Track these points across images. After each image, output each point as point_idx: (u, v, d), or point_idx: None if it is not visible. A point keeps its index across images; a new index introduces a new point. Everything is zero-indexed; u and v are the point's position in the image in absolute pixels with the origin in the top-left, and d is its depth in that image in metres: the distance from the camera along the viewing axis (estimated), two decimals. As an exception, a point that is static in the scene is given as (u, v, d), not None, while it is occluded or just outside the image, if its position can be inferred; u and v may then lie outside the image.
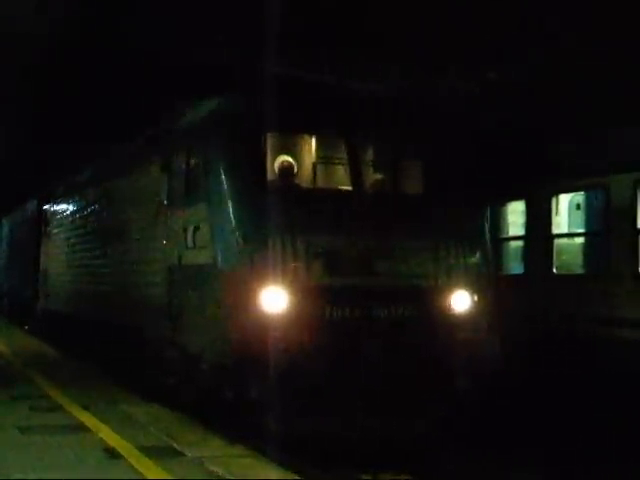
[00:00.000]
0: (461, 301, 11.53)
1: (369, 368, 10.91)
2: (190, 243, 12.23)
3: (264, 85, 11.98)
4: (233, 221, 11.15)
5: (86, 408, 12.47)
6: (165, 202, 13.45)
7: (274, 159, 11.71)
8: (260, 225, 11.03)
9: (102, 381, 15.45)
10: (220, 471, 9.11)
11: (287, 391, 10.70)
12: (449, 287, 11.52)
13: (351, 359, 10.90)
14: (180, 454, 9.85)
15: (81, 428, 11.13)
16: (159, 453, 9.78)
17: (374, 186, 11.88)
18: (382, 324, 11.14)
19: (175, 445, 10.26)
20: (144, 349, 14.63)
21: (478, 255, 11.73)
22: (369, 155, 12.04)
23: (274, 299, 10.87)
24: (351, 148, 11.75)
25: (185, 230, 12.44)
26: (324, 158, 11.93)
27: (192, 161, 12.33)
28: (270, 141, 11.65)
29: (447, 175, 12.00)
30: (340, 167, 11.83)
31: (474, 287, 11.62)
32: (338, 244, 11.14)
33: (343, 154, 11.79)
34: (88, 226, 19.29)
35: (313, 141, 11.89)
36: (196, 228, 12.01)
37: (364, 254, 11.20)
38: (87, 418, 11.78)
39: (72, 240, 21.16)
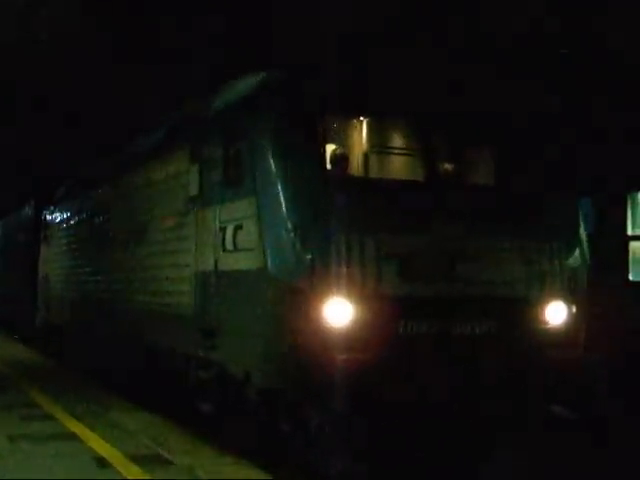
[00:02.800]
0: (558, 315, 9.66)
1: (453, 397, 9.05)
2: (230, 245, 10.34)
3: (326, 60, 10.06)
4: (289, 218, 9.27)
5: (76, 417, 12.30)
6: (195, 198, 11.56)
7: (338, 145, 9.83)
8: (322, 223, 9.16)
9: (94, 390, 15.26)
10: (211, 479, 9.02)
11: (357, 423, 8.85)
12: (545, 297, 9.63)
13: (433, 387, 9.04)
14: (170, 462, 9.77)
15: (71, 437, 11.04)
16: (149, 461, 9.72)
17: (454, 178, 10.00)
18: (468, 342, 9.29)
19: (165, 453, 10.17)
20: (165, 367, 12.76)
21: (576, 259, 9.84)
22: (447, 143, 10.14)
23: (340, 312, 9.03)
24: (426, 134, 9.89)
25: (223, 229, 10.56)
26: (396, 145, 10.09)
27: (233, 148, 10.44)
28: (334, 124, 9.79)
29: (541, 166, 10.13)
30: (414, 156, 9.97)
31: (572, 297, 9.75)
32: (415, 246, 9.29)
33: (417, 141, 9.94)
34: (98, 229, 17.31)
35: (383, 125, 10.02)
36: (238, 227, 10.12)
37: (445, 258, 9.34)
38: (77, 427, 11.66)
39: (78, 246, 19.18)
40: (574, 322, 9.73)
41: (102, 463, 9.58)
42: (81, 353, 18.72)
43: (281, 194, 9.37)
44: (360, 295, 9.05)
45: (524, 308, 9.54)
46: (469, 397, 9.11)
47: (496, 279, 9.43)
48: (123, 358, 15.22)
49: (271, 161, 9.54)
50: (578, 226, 10.07)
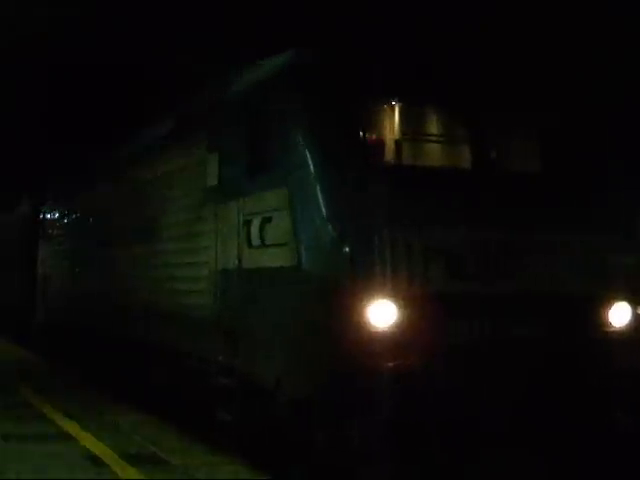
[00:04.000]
0: (623, 316, 8.73)
1: (511, 409, 8.11)
2: (256, 240, 9.40)
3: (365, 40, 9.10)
4: (326, 210, 8.31)
5: (71, 417, 12.20)
6: (214, 189, 10.60)
7: (380, 130, 8.87)
8: (363, 215, 8.21)
9: (88, 390, 15.18)
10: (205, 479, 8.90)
11: (404, 437, 7.90)
12: (608, 297, 8.69)
13: (488, 396, 8.09)
14: (164, 462, 9.69)
15: (65, 436, 10.98)
16: (143, 461, 9.64)
17: (507, 166, 9.04)
18: (527, 347, 8.34)
19: (159, 453, 10.08)
20: (178, 372, 11.82)
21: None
22: (498, 128, 9.18)
23: (385, 313, 8.08)
24: (474, 119, 8.95)
25: (248, 223, 9.61)
26: (441, 131, 9.17)
27: (259, 134, 9.49)
28: (375, 107, 8.84)
29: (602, 152, 9.18)
30: (462, 143, 9.04)
31: (638, 297, 8.82)
32: (466, 239, 8.33)
33: (464, 127, 9.01)
34: (102, 226, 16.32)
35: (427, 110, 9.09)
36: (266, 220, 9.18)
37: (500, 252, 8.39)
38: (71, 427, 11.57)
39: (80, 244, 18.19)
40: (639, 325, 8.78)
41: (97, 463, 9.52)
42: (82, 354, 17.73)
43: (317, 184, 8.42)
44: (407, 294, 8.11)
45: (586, 308, 8.61)
46: (530, 409, 8.14)
47: (555, 275, 8.49)
48: (129, 361, 14.26)
49: (306, 147, 8.59)
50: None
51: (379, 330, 8.01)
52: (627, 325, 8.74)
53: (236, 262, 9.87)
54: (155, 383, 12.92)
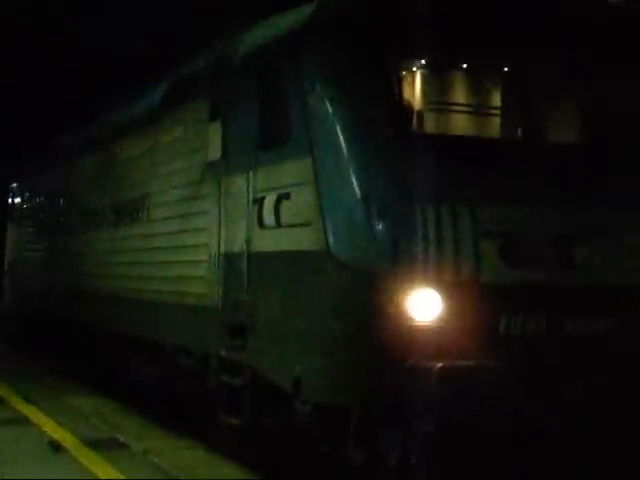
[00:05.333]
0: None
1: (570, 415, 6.99)
2: (270, 220, 8.19)
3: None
4: (360, 184, 7.16)
5: (30, 401, 12.00)
6: (217, 163, 9.37)
7: (418, 94, 7.70)
8: (403, 191, 7.05)
9: (49, 375, 14.83)
10: (166, 464, 8.76)
11: (450, 448, 6.77)
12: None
13: (542, 399, 6.96)
14: (125, 446, 9.59)
15: (25, 421, 10.81)
16: (103, 446, 9.53)
17: (569, 138, 7.90)
18: (589, 345, 7.22)
19: (119, 437, 9.96)
20: (169, 369, 10.63)
21: None
22: (557, 94, 8.01)
23: (428, 305, 6.95)
24: (527, 85, 7.78)
25: (259, 200, 8.41)
26: (490, 98, 7.98)
27: (275, 98, 8.26)
28: (414, 69, 7.67)
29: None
30: (514, 112, 7.84)
31: None
32: (522, 221, 7.19)
33: (516, 93, 7.81)
34: (80, 206, 14.98)
35: (473, 74, 7.91)
36: (284, 197, 7.97)
37: (560, 235, 7.25)
38: (31, 411, 11.40)
39: (55, 226, 16.83)
40: None
41: (57, 447, 9.32)
42: (53, 344, 16.45)
43: (348, 153, 7.23)
44: (453, 283, 6.97)
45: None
46: (591, 416, 7.03)
47: (624, 263, 7.37)
48: (109, 355, 13.05)
49: (334, 112, 7.42)
50: None
51: (424, 325, 6.89)
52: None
53: (244, 245, 8.66)
54: (141, 379, 11.70)
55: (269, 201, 8.20)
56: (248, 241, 8.59)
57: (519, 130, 7.77)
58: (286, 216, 7.92)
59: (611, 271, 7.34)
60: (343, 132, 7.31)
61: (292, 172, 7.85)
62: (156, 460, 8.89)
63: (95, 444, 9.55)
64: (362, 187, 7.10)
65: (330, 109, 7.43)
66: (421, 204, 6.99)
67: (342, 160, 7.24)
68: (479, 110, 7.96)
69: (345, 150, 7.23)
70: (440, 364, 6.63)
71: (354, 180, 7.16)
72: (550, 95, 7.99)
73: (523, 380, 6.94)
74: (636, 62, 8.07)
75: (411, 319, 6.90)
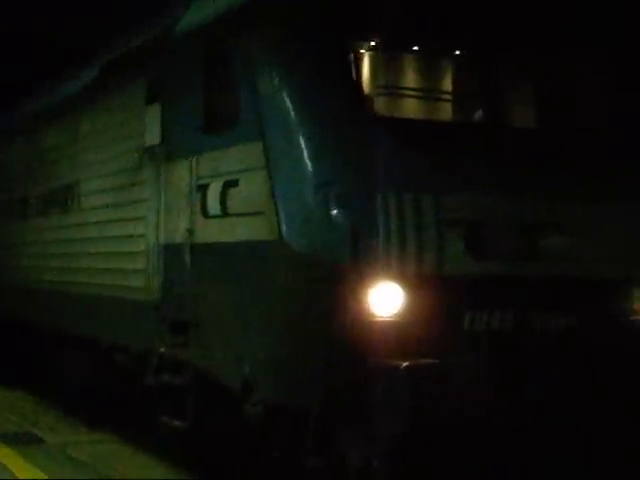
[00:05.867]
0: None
1: (538, 417, 6.62)
2: (216, 208, 7.68)
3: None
4: (317, 170, 6.68)
5: None
6: (155, 148, 8.80)
7: (377, 77, 7.24)
8: (364, 177, 6.59)
9: None
10: (84, 458, 8.75)
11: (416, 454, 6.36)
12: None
13: (508, 399, 6.57)
14: (41, 440, 9.58)
15: None
16: (19, 440, 9.50)
17: (538, 121, 7.51)
18: (560, 342, 6.86)
19: (35, 431, 9.97)
20: (102, 368, 10.06)
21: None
22: (526, 76, 7.62)
23: (391, 299, 6.51)
24: (498, 67, 7.36)
25: (203, 188, 7.89)
26: (458, 80, 7.53)
27: (221, 77, 7.75)
28: (376, 48, 7.19)
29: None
30: (484, 95, 7.41)
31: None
32: (488, 210, 6.79)
33: (486, 76, 7.38)
34: (9, 193, 14.18)
35: (440, 55, 7.49)
36: (231, 183, 7.47)
37: (526, 225, 6.87)
38: None
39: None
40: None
41: None
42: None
43: (303, 138, 6.75)
44: (416, 276, 6.53)
45: (620, 294, 7.17)
46: (564, 417, 6.67)
47: (592, 255, 7.02)
48: (35, 354, 12.41)
49: (287, 94, 6.91)
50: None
51: (387, 320, 6.46)
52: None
53: (186, 235, 8.13)
54: (72, 379, 11.09)
55: (214, 188, 7.69)
56: (191, 231, 8.06)
57: (483, 115, 7.36)
58: (234, 204, 7.41)
59: (578, 263, 6.99)
60: (297, 115, 6.83)
61: (241, 157, 7.34)
62: (72, 453, 8.97)
63: (10, 438, 9.57)
64: (319, 174, 6.63)
65: (283, 91, 6.94)
66: (382, 192, 6.54)
67: (297, 145, 6.76)
68: (441, 95, 7.53)
69: (300, 134, 6.75)
70: (406, 363, 6.19)
71: (310, 166, 6.69)
72: (512, 80, 7.59)
73: (490, 378, 6.53)
74: (595, 47, 7.72)
75: (372, 314, 6.47)
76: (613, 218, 7.14)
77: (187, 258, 8.09)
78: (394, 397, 6.15)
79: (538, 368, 6.74)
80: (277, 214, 6.79)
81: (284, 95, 6.90)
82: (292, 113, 6.82)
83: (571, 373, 6.78)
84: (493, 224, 6.75)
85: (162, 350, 8.49)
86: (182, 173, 8.23)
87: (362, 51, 7.13)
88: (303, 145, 6.71)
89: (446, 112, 7.52)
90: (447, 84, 7.54)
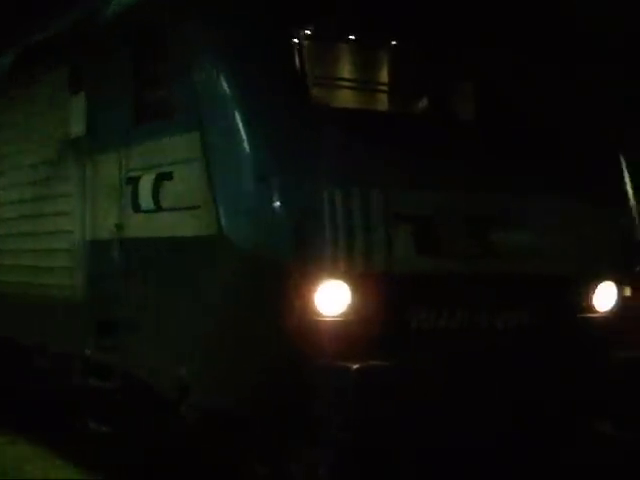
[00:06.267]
0: (609, 300, 7.16)
1: (485, 417, 6.38)
2: (148, 202, 7.28)
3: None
4: (259, 162, 6.32)
5: None
6: (80, 140, 8.34)
7: (322, 66, 6.92)
8: (308, 171, 6.26)
9: None
10: None
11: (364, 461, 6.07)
12: (595, 276, 7.10)
13: (459, 399, 6.31)
14: None
15: None
16: None
17: (487, 116, 7.25)
18: (508, 339, 6.63)
19: None
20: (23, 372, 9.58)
21: (627, 225, 7.35)
22: (471, 68, 7.35)
23: (336, 299, 6.19)
24: (444, 58, 7.11)
25: (134, 181, 7.46)
26: (405, 72, 7.23)
27: (153, 66, 7.34)
28: (322, 37, 6.87)
29: (587, 104, 7.54)
30: (431, 88, 7.14)
31: (626, 277, 7.29)
32: (437, 206, 6.53)
33: (432, 67, 7.12)
34: None
35: (388, 46, 7.19)
36: (165, 176, 7.08)
37: (476, 220, 6.63)
38: None
39: None
40: (626, 310, 7.25)
41: None
42: None
43: (244, 128, 6.39)
44: (364, 274, 6.23)
45: (571, 291, 6.98)
46: (506, 418, 6.44)
47: (540, 252, 6.82)
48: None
49: (226, 83, 6.55)
50: (627, 187, 7.53)
51: (333, 320, 6.14)
52: (614, 310, 7.16)
53: (115, 231, 7.70)
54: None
55: (146, 181, 7.28)
56: (120, 227, 7.64)
57: (428, 108, 7.10)
58: (168, 198, 7.02)
59: (530, 259, 6.77)
60: (237, 104, 6.46)
61: (176, 149, 6.95)
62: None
63: None
64: (260, 165, 6.28)
65: (221, 79, 6.57)
66: (328, 186, 6.21)
67: (236, 135, 6.39)
68: (386, 86, 7.24)
69: (240, 124, 6.38)
70: (356, 365, 5.87)
71: (250, 157, 6.33)
72: (455, 73, 7.35)
73: (440, 380, 6.26)
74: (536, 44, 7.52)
75: (318, 314, 6.15)
76: (564, 214, 6.94)
77: (116, 255, 7.67)
78: (343, 401, 5.83)
79: (489, 367, 6.49)
80: (216, 208, 6.42)
81: (223, 83, 6.54)
82: (231, 102, 6.46)
83: (523, 371, 6.55)
84: (443, 220, 6.49)
85: (88, 352, 8.04)
86: (110, 166, 7.80)
87: (305, 39, 6.77)
88: (243, 135, 6.36)
89: (392, 104, 7.24)
90: (392, 75, 7.25)
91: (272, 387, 6.17)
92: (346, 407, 5.86)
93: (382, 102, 7.24)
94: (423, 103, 7.16)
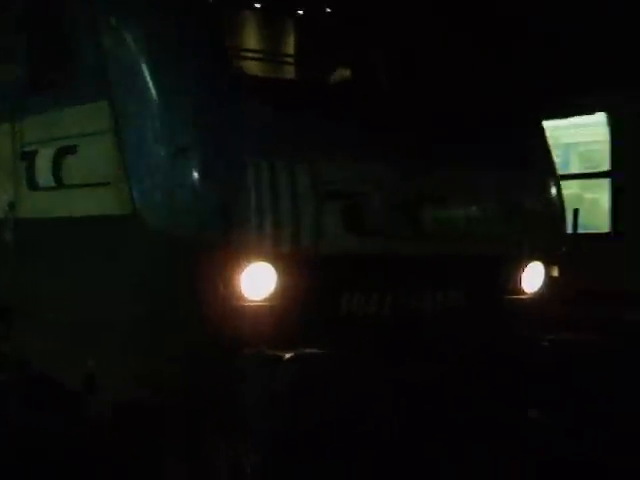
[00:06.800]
0: (537, 280, 6.91)
1: (416, 405, 6.03)
2: (46, 179, 6.66)
3: None
4: (177, 135, 5.80)
5: None
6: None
7: (245, 34, 6.44)
8: (230, 143, 5.78)
9: None
10: None
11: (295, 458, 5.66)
12: (523, 255, 6.84)
13: (389, 387, 5.94)
14: None
15: None
16: None
17: (414, 86, 6.86)
18: (439, 325, 6.30)
19: None
20: None
21: (554, 201, 7.10)
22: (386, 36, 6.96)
23: (263, 282, 5.74)
24: (370, 27, 6.70)
25: (29, 155, 6.83)
26: (331, 41, 6.80)
27: (51, 28, 6.70)
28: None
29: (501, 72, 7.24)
30: (358, 57, 6.71)
31: (554, 256, 7.06)
32: (368, 181, 6.12)
33: (357, 36, 6.70)
34: None
35: (311, 14, 6.76)
36: (67, 150, 6.47)
37: (409, 199, 6.25)
38: None
39: None
40: (555, 292, 7.02)
41: None
42: None
43: (162, 97, 5.85)
44: (292, 256, 5.79)
45: (502, 271, 6.70)
46: (445, 403, 6.12)
47: (473, 229, 6.50)
48: None
49: (141, 44, 5.99)
50: (551, 158, 7.26)
51: (261, 306, 5.68)
52: (542, 291, 6.91)
53: (7, 210, 7.04)
54: None
55: (45, 156, 6.66)
56: (14, 205, 6.99)
57: (357, 79, 6.68)
58: (71, 175, 6.42)
59: (462, 240, 6.44)
60: (151, 70, 5.91)
61: (80, 120, 6.34)
62: None
63: None
64: (181, 137, 5.75)
65: (133, 41, 6.00)
66: (253, 159, 5.74)
67: (152, 105, 5.85)
68: (310, 56, 6.80)
69: (156, 92, 5.85)
70: (290, 354, 5.43)
71: (170, 129, 5.80)
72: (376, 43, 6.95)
73: (369, 368, 5.87)
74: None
75: (242, 298, 5.69)
76: (493, 190, 6.64)
77: (8, 236, 7.02)
78: (275, 392, 5.39)
79: (418, 352, 6.15)
80: (129, 185, 5.86)
81: (135, 47, 5.96)
82: (145, 68, 5.90)
83: (459, 358, 6.23)
84: (373, 197, 6.08)
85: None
86: (2, 138, 7.11)
87: (221, 5, 6.27)
88: (159, 104, 5.83)
89: (316, 75, 6.80)
90: (315, 45, 6.80)
91: (193, 378, 5.67)
92: (277, 399, 5.40)
93: (305, 73, 6.79)
94: (348, 74, 6.73)
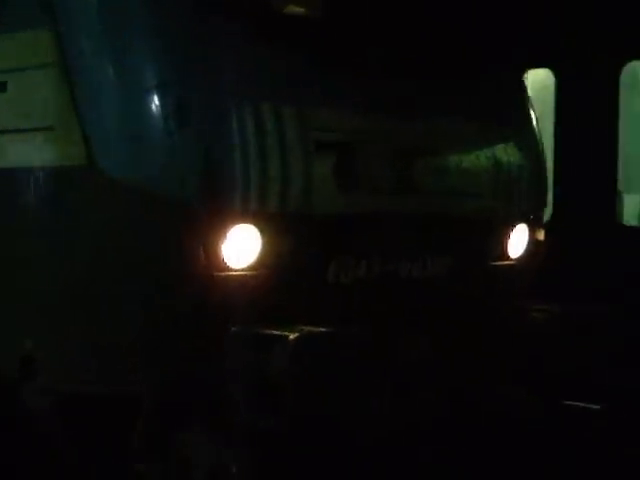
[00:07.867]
0: (523, 244, 6.28)
1: (407, 376, 5.26)
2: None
3: None
4: (146, 69, 4.79)
5: None
6: None
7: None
8: (207, 81, 4.82)
9: None
10: None
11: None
12: (511, 217, 6.17)
13: (378, 360, 5.13)
14: None
15: None
16: None
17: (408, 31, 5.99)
18: (436, 291, 5.57)
19: None
20: None
21: (538, 158, 6.45)
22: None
23: (249, 248, 4.83)
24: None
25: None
26: None
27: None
28: None
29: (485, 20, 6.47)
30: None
31: (539, 219, 6.44)
32: (358, 129, 5.28)
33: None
34: None
35: None
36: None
37: (402, 150, 5.46)
38: None
39: None
40: (542, 257, 6.40)
41: None
42: None
43: (122, 18, 4.83)
44: (280, 216, 4.91)
45: (490, 234, 6.02)
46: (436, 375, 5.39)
47: (464, 187, 5.78)
48: None
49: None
50: (530, 112, 6.57)
51: (243, 273, 4.78)
52: (529, 256, 6.27)
53: None
54: None
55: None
56: None
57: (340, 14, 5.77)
58: (2, 118, 5.30)
59: (454, 198, 5.70)
60: None
61: (11, 51, 5.24)
62: None
63: None
64: (153, 74, 4.77)
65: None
66: (236, 101, 4.81)
67: (114, 35, 4.83)
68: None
69: (119, 19, 4.82)
70: (294, 333, 4.55)
71: (135, 62, 4.80)
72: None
73: (364, 345, 5.06)
74: None
75: (227, 267, 4.78)
76: (482, 144, 5.92)
77: None
78: (276, 381, 4.51)
79: (413, 325, 5.39)
80: (82, 130, 4.84)
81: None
82: None
83: (451, 326, 5.52)
84: (365, 148, 5.25)
85: None
86: None
87: None
88: (123, 34, 4.81)
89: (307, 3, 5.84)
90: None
91: (166, 362, 4.75)
92: (278, 388, 4.53)
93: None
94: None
